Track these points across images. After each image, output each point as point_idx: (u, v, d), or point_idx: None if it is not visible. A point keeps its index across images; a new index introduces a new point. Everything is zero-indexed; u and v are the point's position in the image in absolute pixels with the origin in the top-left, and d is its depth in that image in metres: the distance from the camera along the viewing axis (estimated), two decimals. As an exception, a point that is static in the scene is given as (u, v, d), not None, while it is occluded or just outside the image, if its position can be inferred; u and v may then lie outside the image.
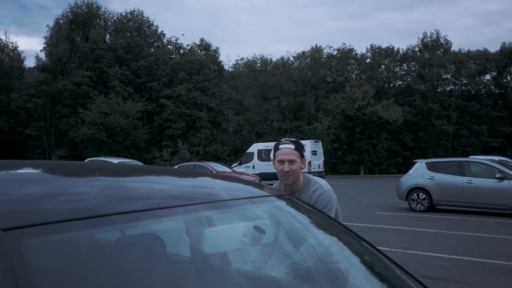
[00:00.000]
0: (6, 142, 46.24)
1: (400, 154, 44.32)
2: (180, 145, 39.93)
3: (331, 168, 38.88)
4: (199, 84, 46.66)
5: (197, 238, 1.30)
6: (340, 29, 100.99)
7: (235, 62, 55.21)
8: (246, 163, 25.52)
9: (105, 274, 0.99)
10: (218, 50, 52.49)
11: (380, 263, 1.64)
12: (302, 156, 2.68)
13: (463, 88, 49.70)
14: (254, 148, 26.08)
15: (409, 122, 44.69)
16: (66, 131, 44.56)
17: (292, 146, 2.65)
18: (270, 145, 25.66)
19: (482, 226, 10.38)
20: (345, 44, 63.79)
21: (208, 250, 1.32)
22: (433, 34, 51.34)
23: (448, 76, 49.18)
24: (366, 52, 51.80)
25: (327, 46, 69.29)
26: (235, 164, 27.04)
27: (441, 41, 51.00)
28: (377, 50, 50.42)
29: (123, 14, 52.24)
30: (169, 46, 52.66)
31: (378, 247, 1.72)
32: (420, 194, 13.13)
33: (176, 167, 21.33)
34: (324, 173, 25.06)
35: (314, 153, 24.11)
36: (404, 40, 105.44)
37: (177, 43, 52.39)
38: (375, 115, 36.83)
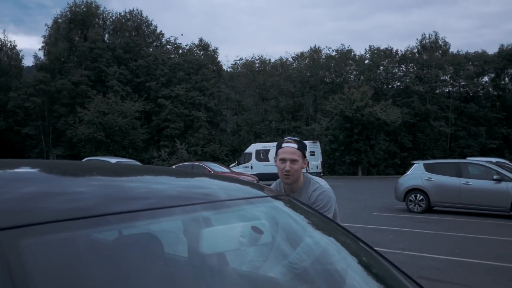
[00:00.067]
0: (4, 141, 46.15)
1: (398, 155, 44.38)
2: (178, 145, 39.92)
3: (329, 169, 38.91)
4: (198, 84, 46.65)
5: (194, 238, 1.30)
6: (339, 30, 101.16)
7: (233, 62, 55.24)
8: (244, 163, 25.54)
9: (103, 274, 0.99)
10: (217, 50, 52.58)
11: (377, 264, 1.64)
12: (304, 156, 2.68)
13: (461, 89, 49.80)
14: (252, 148, 26.09)
15: (407, 123, 44.76)
16: (64, 131, 44.50)
17: (295, 146, 2.64)
18: (268, 145, 25.68)
19: (480, 227, 10.40)
20: (343, 45, 63.97)
21: (206, 251, 1.32)
22: (431, 35, 51.46)
23: (446, 78, 49.27)
24: (364, 53, 51.94)
25: (326, 47, 69.34)
26: (233, 164, 27.05)
27: (440, 42, 51.09)
28: (375, 51, 50.49)
29: (122, 13, 52.28)
30: (168, 46, 52.68)
31: (376, 248, 1.72)
32: (418, 195, 13.15)
33: (174, 167, 21.31)
34: (322, 174, 25.08)
35: (312, 153, 24.14)
36: (402, 42, 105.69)
37: (175, 43, 52.45)
38: (373, 116, 36.88)
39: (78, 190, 1.26)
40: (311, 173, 2.90)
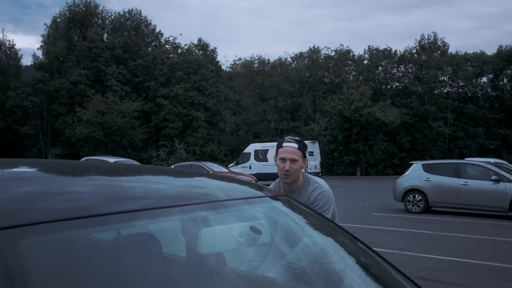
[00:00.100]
0: (2, 141, 46.09)
1: (396, 155, 44.41)
2: (177, 144, 39.90)
3: (328, 169, 38.93)
4: (197, 84, 46.64)
5: (193, 238, 1.30)
6: (338, 30, 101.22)
7: (232, 62, 55.29)
8: (242, 163, 25.54)
9: (101, 274, 0.99)
10: (216, 50, 52.55)
11: (376, 264, 1.65)
12: (304, 156, 2.67)
13: (460, 90, 49.87)
14: (251, 148, 26.10)
15: (406, 123, 44.80)
16: (62, 130, 44.45)
17: (296, 145, 2.64)
18: (267, 145, 25.68)
19: (478, 228, 10.42)
20: (342, 45, 64.07)
21: (204, 251, 1.32)
22: (430, 36, 51.49)
23: (445, 78, 49.33)
24: (363, 53, 51.96)
25: (325, 47, 69.36)
26: (232, 164, 27.05)
27: (439, 43, 51.12)
28: (374, 52, 50.53)
29: (121, 13, 52.27)
30: (167, 46, 52.66)
31: (374, 248, 1.72)
32: (416, 195, 13.16)
33: (172, 166, 21.31)
34: (320, 174, 25.10)
35: (310, 154, 24.15)
36: (401, 42, 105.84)
37: (174, 43, 52.42)
38: (372, 117, 36.91)
39: (76, 189, 1.26)
40: (309, 173, 2.89)
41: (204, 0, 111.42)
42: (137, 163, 24.09)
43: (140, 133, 43.81)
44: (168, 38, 53.39)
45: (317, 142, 27.83)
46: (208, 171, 19.07)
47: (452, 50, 51.92)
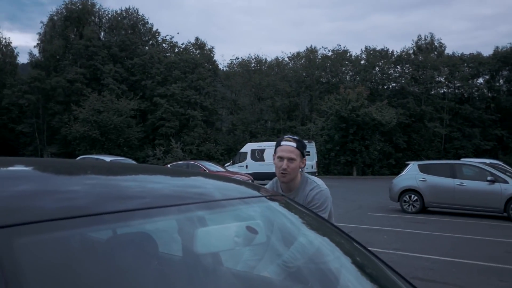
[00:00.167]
0: (-2, 139, 45.93)
1: (392, 155, 44.52)
2: (174, 143, 39.85)
3: (324, 169, 38.97)
4: (193, 83, 46.58)
5: (189, 237, 1.30)
6: (335, 30, 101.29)
7: (229, 62, 55.26)
8: (239, 162, 25.53)
9: (97, 273, 0.99)
10: (213, 49, 52.50)
11: (371, 264, 1.65)
12: (302, 156, 2.68)
13: (456, 91, 50.03)
14: (248, 147, 26.09)
15: (402, 124, 44.91)
16: (58, 128, 44.31)
17: (294, 144, 2.64)
18: (264, 145, 25.69)
19: (473, 228, 10.46)
20: (339, 45, 64.21)
21: (200, 250, 1.32)
22: (427, 37, 51.66)
23: (442, 79, 49.48)
24: (360, 53, 52.04)
25: (322, 47, 69.42)
26: (229, 163, 27.03)
27: (435, 44, 51.30)
28: (371, 52, 50.61)
29: (118, 11, 52.16)
30: (164, 45, 52.55)
31: (370, 248, 1.73)
32: (412, 195, 13.20)
33: (169, 165, 21.28)
34: (317, 174, 25.11)
35: (307, 153, 24.14)
36: (398, 42, 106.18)
37: (171, 42, 52.32)
38: (369, 117, 36.98)
39: (72, 188, 1.26)
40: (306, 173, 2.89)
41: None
42: (134, 162, 24.03)
43: (136, 132, 43.73)
44: (165, 37, 53.34)
45: (313, 142, 27.85)
46: (205, 170, 19.06)
47: (448, 51, 52.20)
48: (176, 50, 51.62)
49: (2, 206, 0.99)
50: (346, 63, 51.17)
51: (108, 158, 20.69)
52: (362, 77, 48.17)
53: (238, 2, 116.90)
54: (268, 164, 22.83)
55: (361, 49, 52.61)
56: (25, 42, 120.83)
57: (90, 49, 46.51)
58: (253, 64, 52.40)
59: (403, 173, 13.95)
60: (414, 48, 50.84)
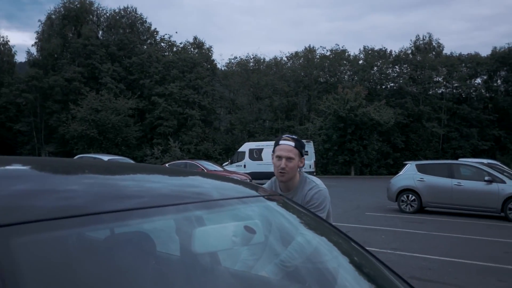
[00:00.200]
0: (-5, 137, 45.82)
1: (390, 155, 44.58)
2: (172, 143, 39.83)
3: (322, 169, 39.01)
4: (192, 82, 46.55)
5: (187, 237, 1.30)
6: (333, 30, 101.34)
7: (228, 61, 55.19)
8: (237, 162, 25.52)
9: (95, 272, 0.98)
10: (211, 49, 52.50)
11: (369, 264, 1.65)
12: (301, 155, 2.67)
13: (454, 91, 50.13)
14: (246, 147, 26.08)
15: (400, 124, 44.97)
16: (56, 127, 44.23)
17: (292, 144, 2.64)
18: (262, 144, 25.68)
19: (471, 228, 10.48)
20: (338, 45, 64.10)
21: (198, 250, 1.31)
22: (425, 37, 51.71)
23: (440, 79, 49.57)
24: (359, 53, 52.13)
25: (320, 46, 69.43)
26: (227, 163, 27.03)
27: (433, 44, 51.36)
28: (370, 52, 50.66)
29: (116, 10, 52.10)
30: (162, 44, 52.51)
31: (367, 248, 1.73)
32: (410, 195, 13.22)
33: (167, 165, 21.27)
34: (315, 173, 25.12)
35: (305, 153, 24.18)
36: (396, 42, 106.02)
37: (170, 41, 52.31)
38: (367, 116, 37.02)
39: (70, 188, 1.26)
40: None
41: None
42: (132, 161, 24.02)
43: (134, 131, 43.69)
44: (164, 36, 53.33)
45: (311, 141, 27.86)
46: (203, 169, 19.06)
47: (446, 51, 52.26)
48: (175, 49, 51.60)
49: (-1, 205, 0.98)
50: (344, 63, 51.21)
51: (106, 157, 20.67)
52: (360, 77, 48.22)
53: (237, 2, 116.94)
54: (266, 164, 22.84)
55: (360, 49, 52.93)
56: (23, 40, 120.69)
57: (88, 48, 46.43)
58: (251, 64, 52.40)
59: (401, 173, 13.97)
60: (412, 48, 50.92)
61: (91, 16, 51.18)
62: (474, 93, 50.09)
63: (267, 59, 53.52)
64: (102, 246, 1.14)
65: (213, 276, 1.42)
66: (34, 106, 45.63)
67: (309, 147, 25.53)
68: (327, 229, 1.79)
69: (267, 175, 19.95)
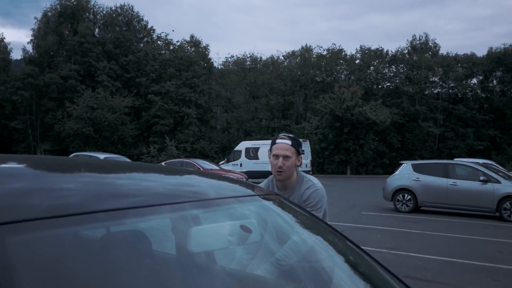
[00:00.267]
0: (-9, 135, 45.58)
1: (386, 155, 44.69)
2: (168, 141, 39.76)
3: (318, 168, 39.05)
4: (188, 80, 46.47)
5: (183, 236, 1.30)
6: (330, 30, 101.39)
7: (224, 60, 55.09)
8: (233, 161, 25.51)
9: (90, 271, 0.98)
10: (208, 47, 52.37)
11: (364, 263, 1.66)
12: (298, 153, 2.67)
13: (450, 91, 50.30)
14: (242, 146, 26.07)
15: (396, 123, 45.08)
16: (52, 125, 44.05)
17: (289, 142, 2.64)
18: (258, 143, 25.68)
19: (466, 228, 10.52)
20: (335, 44, 64.09)
21: (194, 249, 1.31)
22: (422, 37, 51.89)
23: (436, 79, 49.72)
24: (355, 53, 52.16)
25: (317, 46, 69.30)
26: (223, 161, 27.01)
27: (430, 44, 51.52)
28: (366, 51, 50.73)
29: (113, 8, 51.84)
30: (159, 42, 52.39)
31: (363, 247, 1.73)
32: (406, 195, 13.26)
33: (163, 163, 21.23)
34: (311, 173, 25.15)
35: (302, 152, 24.18)
36: (393, 42, 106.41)
37: (166, 39, 52.15)
38: (363, 116, 37.09)
39: (66, 186, 1.25)
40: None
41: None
42: (128, 159, 23.97)
43: (130, 129, 43.58)
44: (160, 34, 53.14)
45: (308, 140, 27.88)
46: (199, 168, 19.05)
47: (443, 51, 52.44)
48: (171, 47, 51.48)
49: (-6, 204, 0.98)
50: (341, 62, 51.25)
51: (102, 156, 20.61)
52: (356, 77, 48.29)
53: (234, 1, 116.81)
54: (262, 163, 22.84)
55: (356, 49, 53.03)
56: (18, 38, 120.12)
57: (84, 45, 46.24)
58: (248, 63, 52.37)
59: (396, 172, 14.01)
60: (409, 48, 51.05)
61: (87, 14, 50.95)
62: (470, 93, 50.30)
63: (263, 58, 53.60)
64: (98, 244, 1.14)
65: (209, 275, 1.42)
66: (30, 104, 45.41)
67: (306, 146, 25.55)
68: (322, 229, 1.79)
69: (263, 174, 19.95)
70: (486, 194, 11.98)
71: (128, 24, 51.45)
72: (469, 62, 48.97)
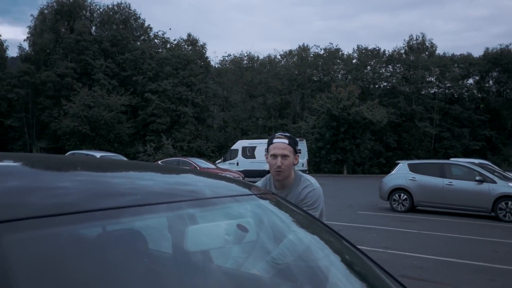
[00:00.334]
0: (-14, 133, 45.35)
1: (383, 154, 44.80)
2: (164, 140, 39.70)
3: (315, 167, 39.11)
4: (185, 79, 46.41)
5: (179, 235, 1.30)
6: (327, 29, 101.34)
7: (221, 59, 55.09)
8: (230, 159, 25.50)
9: (87, 270, 0.98)
10: (205, 46, 52.31)
11: (360, 262, 1.66)
12: (295, 152, 2.68)
13: (447, 91, 50.47)
14: (239, 145, 26.07)
15: (393, 123, 45.20)
16: (48, 123, 43.89)
17: (286, 141, 2.64)
18: (255, 142, 25.68)
19: (462, 227, 10.56)
20: (332, 44, 64.27)
21: (190, 248, 1.31)
22: (419, 37, 52.01)
23: (432, 79, 49.88)
24: (352, 52, 52.31)
25: (314, 45, 69.75)
26: (219, 160, 26.99)
27: (427, 44, 51.65)
28: (363, 51, 50.82)
29: (110, 6, 51.73)
30: (156, 40, 52.26)
31: (359, 246, 1.74)
32: (402, 194, 13.29)
33: (159, 162, 21.19)
34: (307, 172, 25.19)
35: (298, 151, 24.21)
36: (390, 42, 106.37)
37: (163, 38, 52.08)
38: (360, 116, 37.18)
39: (62, 185, 1.25)
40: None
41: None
42: (124, 158, 23.92)
43: (127, 127, 43.50)
44: (157, 32, 53.05)
45: (304, 140, 27.90)
46: (195, 167, 19.03)
47: (439, 51, 52.62)
48: (168, 46, 51.38)
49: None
50: (338, 62, 51.34)
51: (98, 154, 20.58)
52: (353, 76, 48.38)
53: (231, 0, 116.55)
54: (259, 162, 22.85)
55: (353, 48, 53.12)
56: (14, 35, 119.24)
57: (81, 43, 46.08)
58: (245, 62, 52.38)
59: (393, 172, 14.04)
60: (406, 48, 51.17)
61: (84, 12, 50.77)
62: (466, 94, 50.48)
63: (261, 57, 53.64)
64: (94, 243, 1.14)
65: (205, 274, 1.42)
66: (26, 102, 45.23)
67: (302, 145, 25.56)
68: (319, 228, 1.80)
69: (260, 173, 19.96)
70: (482, 194, 12.03)
71: (125, 22, 51.31)
72: (465, 63, 49.15)
